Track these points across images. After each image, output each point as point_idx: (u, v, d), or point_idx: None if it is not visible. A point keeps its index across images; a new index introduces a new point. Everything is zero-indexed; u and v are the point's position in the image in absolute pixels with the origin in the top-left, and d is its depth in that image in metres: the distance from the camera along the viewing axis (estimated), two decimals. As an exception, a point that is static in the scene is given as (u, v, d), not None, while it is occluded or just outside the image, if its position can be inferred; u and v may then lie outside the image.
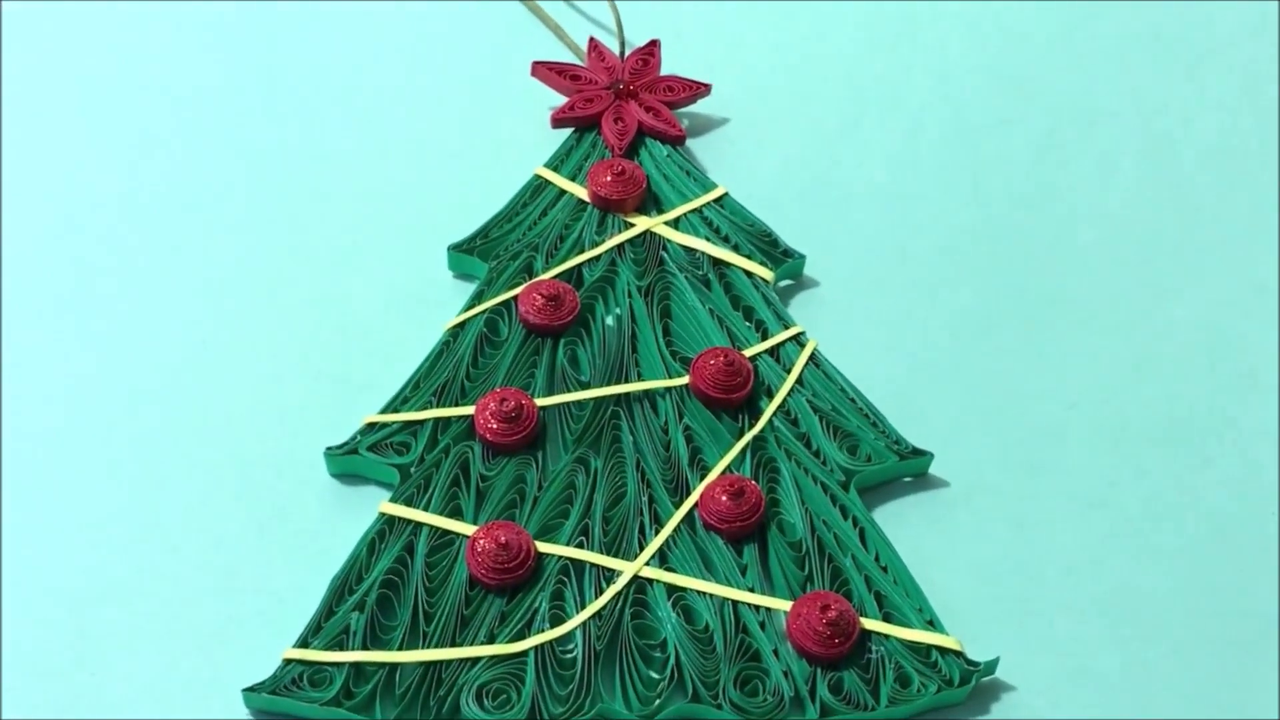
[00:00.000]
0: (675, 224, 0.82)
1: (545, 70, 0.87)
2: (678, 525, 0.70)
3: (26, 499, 0.70)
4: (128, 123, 0.86)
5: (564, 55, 0.90)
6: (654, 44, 0.88)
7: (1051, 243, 0.84)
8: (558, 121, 0.85)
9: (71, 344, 0.76)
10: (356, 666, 0.65)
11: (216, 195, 0.83)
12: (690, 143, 0.88)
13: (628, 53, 0.89)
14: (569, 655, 0.66)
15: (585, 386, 0.75)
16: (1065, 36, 0.95)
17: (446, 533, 0.69)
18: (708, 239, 0.81)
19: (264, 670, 0.65)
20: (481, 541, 0.67)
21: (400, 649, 0.65)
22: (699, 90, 0.87)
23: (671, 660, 0.66)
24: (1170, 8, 0.97)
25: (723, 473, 0.72)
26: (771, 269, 0.80)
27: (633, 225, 0.81)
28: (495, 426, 0.71)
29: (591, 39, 0.88)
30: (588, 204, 0.82)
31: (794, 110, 0.89)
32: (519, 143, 0.86)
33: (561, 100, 0.87)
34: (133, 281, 0.79)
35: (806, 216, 0.85)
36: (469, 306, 0.77)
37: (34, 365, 0.75)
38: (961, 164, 0.88)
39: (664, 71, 0.88)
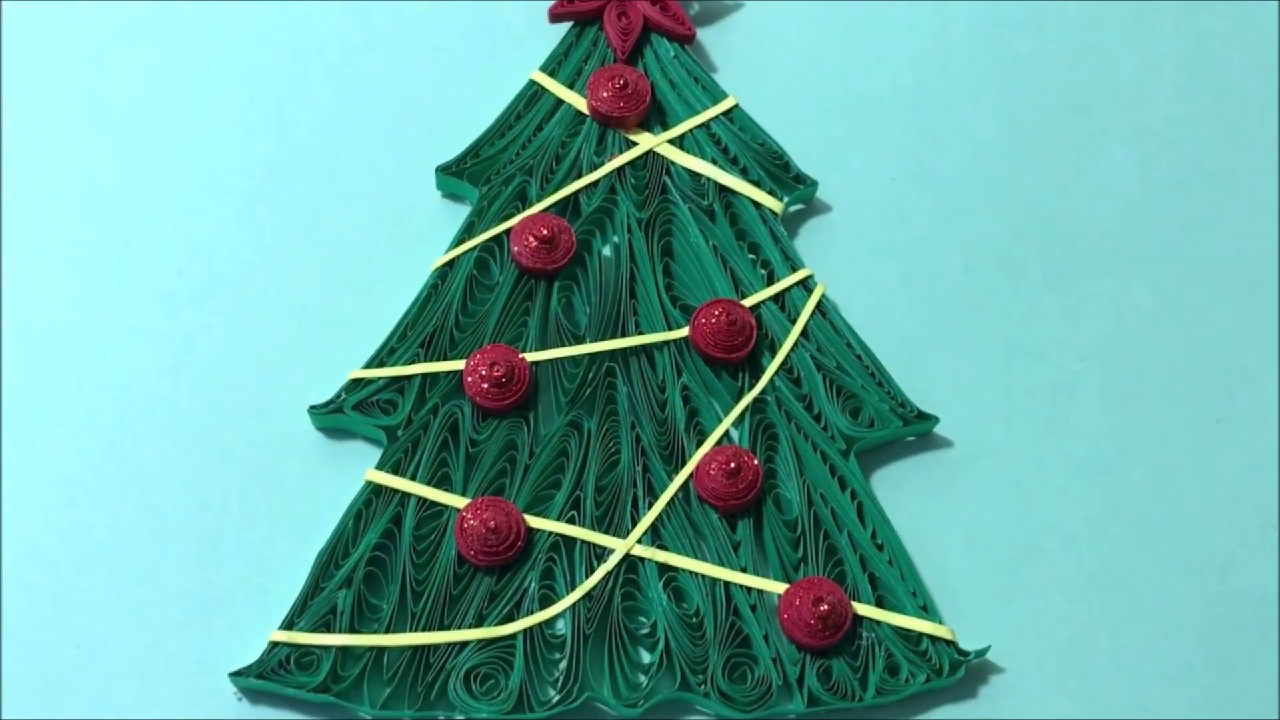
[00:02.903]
0: (680, 142, 0.76)
1: (543, -47, 0.79)
2: (672, 498, 0.69)
3: None
4: (76, 41, 0.78)
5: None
6: (664, -79, 0.80)
7: (1080, 165, 0.79)
8: (555, 16, 0.78)
9: (34, 292, 0.72)
10: (344, 649, 0.65)
11: (179, 118, 0.76)
12: (699, 30, 0.81)
13: (635, -71, 0.81)
14: (558, 638, 0.66)
15: (580, 340, 0.72)
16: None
17: (435, 504, 0.68)
18: (714, 160, 0.76)
19: (250, 644, 0.65)
20: (470, 522, 0.66)
21: (388, 630, 0.65)
22: (712, -23, 0.81)
23: (661, 645, 0.66)
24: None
25: (720, 440, 0.70)
26: (781, 199, 0.76)
27: (635, 144, 0.76)
28: (486, 389, 0.69)
29: (594, -85, 0.80)
30: (586, 116, 0.76)
31: (813, -2, 0.83)
32: (513, 33, 0.79)
33: (561, -17, 0.80)
34: (93, 211, 0.74)
35: (821, 126, 0.79)
36: (459, 240, 0.73)
37: None
38: (992, 63, 0.81)
39: (674, -57, 0.81)
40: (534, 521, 0.68)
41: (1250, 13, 0.83)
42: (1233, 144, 0.80)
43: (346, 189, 0.75)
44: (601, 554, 0.67)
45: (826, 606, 0.65)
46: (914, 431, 0.72)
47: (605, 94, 0.75)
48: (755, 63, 0.81)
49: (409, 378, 0.70)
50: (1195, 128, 0.80)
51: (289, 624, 0.65)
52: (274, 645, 0.65)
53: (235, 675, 0.64)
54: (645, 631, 0.67)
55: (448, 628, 0.65)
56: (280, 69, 0.78)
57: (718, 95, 0.78)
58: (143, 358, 0.71)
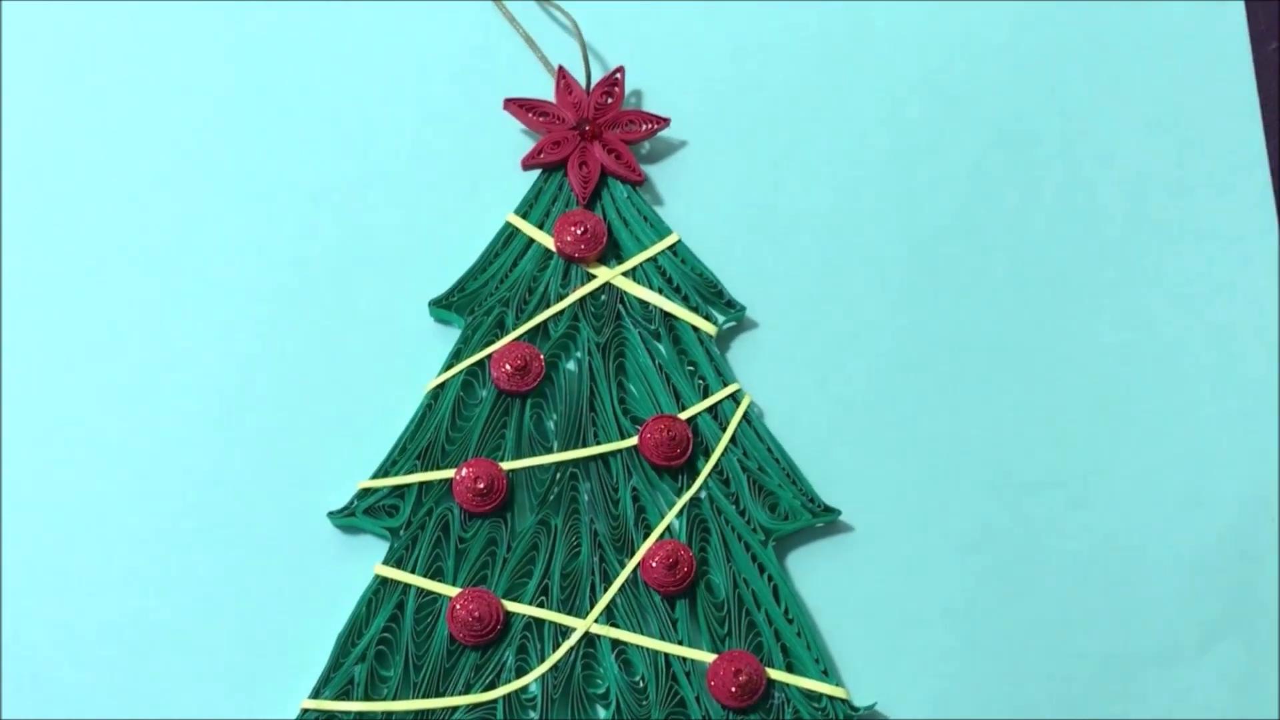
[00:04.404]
0: (632, 274, 0.91)
1: (516, 107, 0.93)
2: (623, 585, 0.85)
3: (63, 558, 0.84)
4: (103, 199, 0.92)
5: (537, 69, 0.96)
6: (618, 73, 0.94)
7: (966, 283, 0.94)
8: (527, 165, 0.93)
9: (105, 416, 0.87)
10: (360, 714, 0.81)
11: (217, 255, 0.91)
12: (648, 167, 0.96)
13: (594, 81, 0.95)
14: (530, 701, 0.82)
15: (549, 449, 0.87)
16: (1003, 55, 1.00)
17: (431, 593, 0.84)
18: (660, 290, 0.91)
19: (286, 708, 0.82)
20: (459, 610, 0.82)
21: (395, 697, 0.82)
22: (659, 125, 0.94)
23: (613, 706, 0.82)
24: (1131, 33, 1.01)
25: (662, 534, 0.86)
26: (715, 322, 0.91)
27: (594, 277, 0.91)
28: (471, 498, 0.84)
29: (560, 69, 0.94)
30: (553, 253, 0.91)
31: (747, 137, 0.96)
32: (493, 176, 0.94)
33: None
34: (147, 345, 0.89)
35: (751, 251, 0.94)
36: (448, 365, 0.88)
37: (45, 434, 0.87)
38: (897, 193, 0.96)
39: (629, 81, 0.95)
40: (511, 606, 0.84)
41: (1122, 139, 0.97)
42: (1102, 263, 0.94)
43: (354, 318, 0.90)
44: (565, 632, 0.84)
45: (745, 676, 0.82)
46: (821, 521, 0.88)
47: (569, 237, 0.90)
48: (695, 197, 0.95)
49: (408, 486, 0.86)
50: (1066, 253, 0.95)
51: (316, 693, 0.82)
52: (304, 711, 0.81)
53: (276, 736, 0.81)
54: (601, 694, 0.83)
55: (442, 695, 0.82)
56: (296, 210, 0.92)
57: (663, 231, 0.93)
58: (193, 468, 0.86)
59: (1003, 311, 0.94)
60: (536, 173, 0.94)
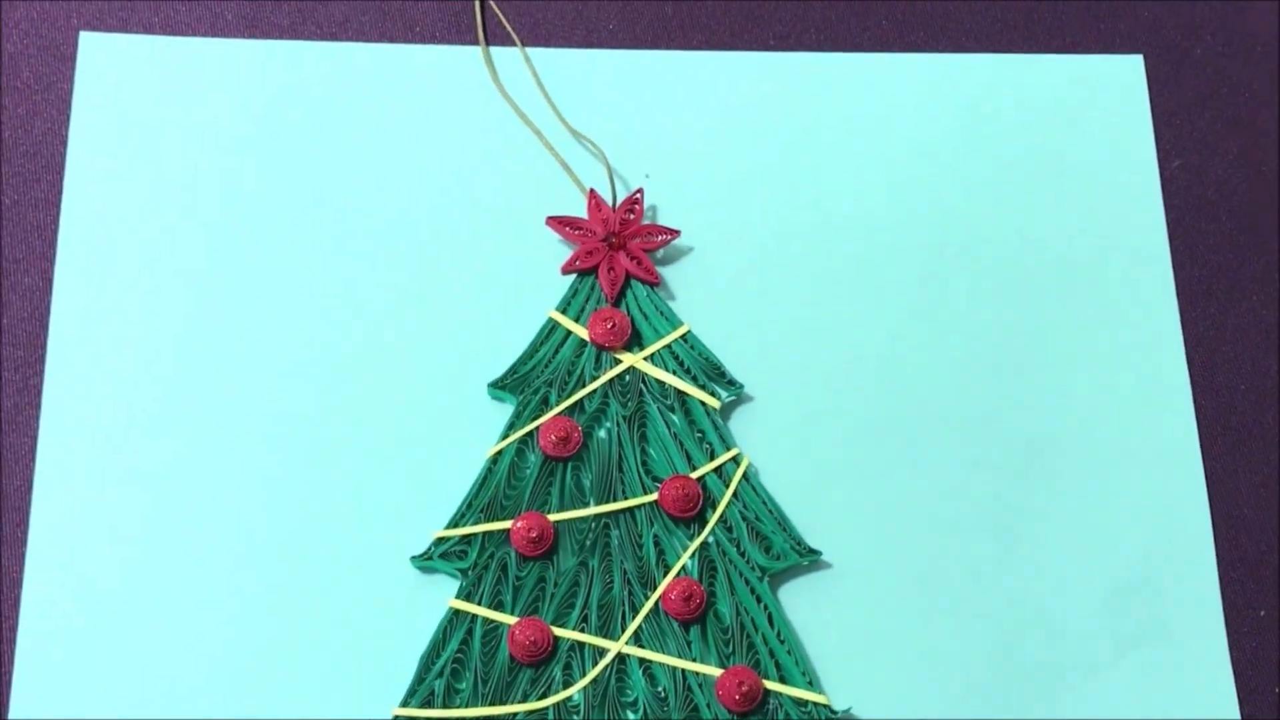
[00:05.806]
0: (652, 359, 1.12)
1: (556, 223, 1.14)
2: (647, 614, 1.05)
3: (189, 589, 1.05)
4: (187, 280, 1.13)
5: (572, 190, 1.17)
6: (639, 194, 1.15)
7: (921, 364, 1.14)
8: (565, 271, 1.14)
9: (226, 491, 1.08)
10: (440, 719, 1.01)
11: (314, 354, 1.12)
12: (663, 268, 1.16)
13: (619, 199, 1.16)
14: (575, 708, 1.03)
15: (586, 504, 1.08)
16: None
17: (494, 622, 1.04)
18: (675, 372, 1.12)
19: (380, 715, 1.02)
20: (518, 635, 1.03)
21: (467, 705, 1.02)
22: (672, 235, 1.15)
23: (641, 713, 1.03)
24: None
25: (679, 573, 1.06)
26: (719, 399, 1.12)
27: (620, 362, 1.12)
28: (525, 544, 1.05)
29: (591, 191, 1.15)
30: (588, 343, 1.12)
31: (743, 245, 1.17)
32: (539, 274, 1.14)
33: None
34: (260, 436, 1.10)
35: (747, 338, 1.14)
36: (504, 435, 1.09)
37: (189, 495, 1.08)
38: (865, 288, 1.16)
39: (646, 199, 1.16)
40: (558, 631, 1.04)
41: (1051, 243, 1.18)
42: (1032, 345, 1.15)
43: (428, 397, 1.11)
44: (602, 652, 1.04)
45: (746, 687, 1.02)
46: (807, 560, 1.08)
47: (600, 330, 1.11)
48: (702, 294, 1.16)
49: (475, 535, 1.06)
50: (1003, 338, 1.16)
51: (405, 702, 1.02)
52: (396, 717, 1.02)
53: (374, 736, 1.01)
54: (631, 701, 1.04)
55: (505, 704, 1.02)
56: (381, 309, 1.12)
57: (676, 323, 1.14)
58: (302, 520, 1.07)
59: (952, 388, 1.14)
60: (573, 276, 1.15)
